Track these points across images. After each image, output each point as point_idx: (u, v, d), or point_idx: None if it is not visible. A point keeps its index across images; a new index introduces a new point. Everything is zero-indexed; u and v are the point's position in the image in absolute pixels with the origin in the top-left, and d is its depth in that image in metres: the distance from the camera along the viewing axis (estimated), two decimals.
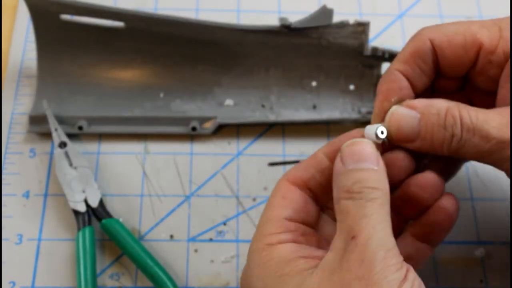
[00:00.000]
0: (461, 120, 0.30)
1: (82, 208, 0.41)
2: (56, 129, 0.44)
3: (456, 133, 0.30)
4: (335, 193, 0.30)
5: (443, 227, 0.33)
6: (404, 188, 0.33)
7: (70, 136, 0.45)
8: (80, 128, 0.45)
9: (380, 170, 0.29)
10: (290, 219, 0.32)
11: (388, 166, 0.31)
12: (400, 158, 0.32)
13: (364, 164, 0.29)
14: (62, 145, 0.43)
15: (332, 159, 0.32)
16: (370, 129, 0.32)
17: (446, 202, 0.32)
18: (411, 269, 0.27)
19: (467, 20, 0.33)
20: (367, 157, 0.30)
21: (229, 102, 0.47)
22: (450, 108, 0.30)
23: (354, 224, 0.27)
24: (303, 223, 0.32)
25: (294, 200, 0.32)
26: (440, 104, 0.31)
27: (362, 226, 0.27)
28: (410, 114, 0.31)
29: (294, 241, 0.31)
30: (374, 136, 0.31)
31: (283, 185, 0.33)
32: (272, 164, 0.45)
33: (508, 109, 0.30)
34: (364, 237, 0.27)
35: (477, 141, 0.30)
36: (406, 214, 0.34)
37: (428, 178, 0.32)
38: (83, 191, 0.42)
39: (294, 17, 0.45)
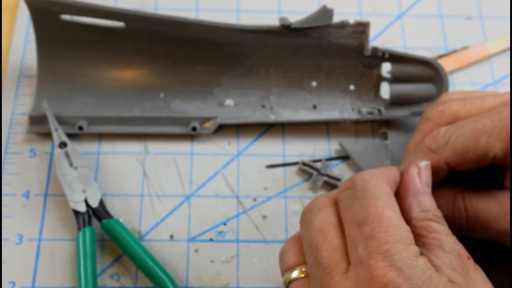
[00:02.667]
0: (466, 211, 0.33)
1: (82, 208, 0.41)
2: (56, 129, 0.44)
3: (463, 224, 0.33)
4: (417, 213, 0.31)
5: None
6: None
7: (70, 136, 0.45)
8: (80, 128, 0.45)
9: None
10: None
11: None
12: None
13: (429, 190, 0.32)
14: (62, 145, 0.43)
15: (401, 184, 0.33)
16: None
17: None
18: None
19: (471, 120, 0.33)
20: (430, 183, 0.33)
21: (229, 102, 0.47)
22: (456, 200, 0.34)
23: (458, 246, 0.30)
24: None
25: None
26: (447, 194, 0.34)
27: (462, 248, 0.30)
28: None
29: None
30: None
31: (389, 192, 0.31)
32: (270, 166, 0.45)
33: (507, 197, 0.32)
34: (472, 261, 0.30)
35: (480, 230, 0.33)
36: None
37: None
38: (83, 191, 0.42)
39: (294, 17, 0.45)
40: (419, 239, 0.30)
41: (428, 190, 0.32)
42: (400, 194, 0.32)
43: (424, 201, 0.31)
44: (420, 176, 0.32)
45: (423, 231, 0.30)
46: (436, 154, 0.33)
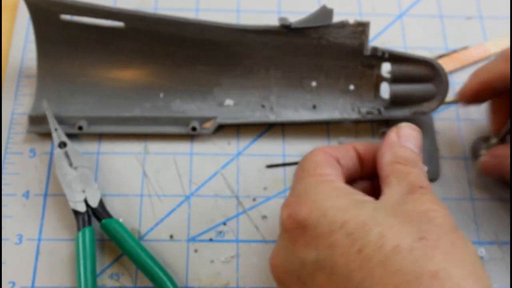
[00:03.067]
0: None
1: (82, 208, 0.41)
2: (56, 129, 0.44)
3: None
4: (388, 159, 0.33)
5: None
6: None
7: (70, 136, 0.45)
8: (80, 128, 0.45)
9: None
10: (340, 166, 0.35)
11: None
12: None
13: (416, 148, 0.34)
14: (62, 145, 0.43)
15: (362, 158, 0.35)
16: None
17: None
18: None
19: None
20: (419, 142, 0.35)
21: (229, 102, 0.47)
22: None
23: (418, 180, 0.31)
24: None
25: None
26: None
27: (426, 183, 0.32)
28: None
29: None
30: None
31: (323, 155, 0.34)
32: (270, 166, 0.45)
33: None
34: (429, 188, 0.31)
35: None
36: None
37: None
38: (83, 191, 0.42)
39: (294, 17, 0.45)
40: (385, 180, 0.32)
41: (409, 145, 0.34)
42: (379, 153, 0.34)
43: (397, 151, 0.33)
44: (398, 133, 0.35)
45: (388, 173, 0.32)
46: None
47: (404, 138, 0.35)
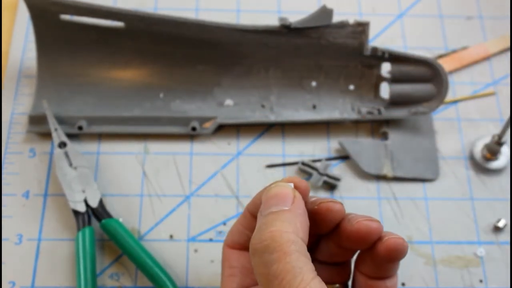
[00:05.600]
0: None
1: (82, 208, 0.41)
2: (56, 129, 0.44)
3: None
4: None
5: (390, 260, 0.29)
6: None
7: (70, 136, 0.45)
8: (80, 128, 0.45)
9: (294, 208, 0.28)
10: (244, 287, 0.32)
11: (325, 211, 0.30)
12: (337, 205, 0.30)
13: (276, 207, 0.28)
14: (62, 145, 0.43)
15: (255, 214, 0.31)
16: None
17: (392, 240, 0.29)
18: None
19: None
20: (281, 198, 0.28)
21: (229, 102, 0.47)
22: None
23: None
24: None
25: (241, 264, 0.32)
26: None
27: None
28: None
29: None
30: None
31: (226, 253, 0.33)
32: (270, 166, 0.45)
33: None
34: None
35: None
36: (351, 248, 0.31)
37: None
38: (83, 191, 0.42)
39: (294, 17, 0.45)
40: None
41: (269, 210, 0.28)
42: None
43: (255, 232, 0.28)
44: (261, 205, 0.29)
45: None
46: None
47: (266, 205, 0.28)
